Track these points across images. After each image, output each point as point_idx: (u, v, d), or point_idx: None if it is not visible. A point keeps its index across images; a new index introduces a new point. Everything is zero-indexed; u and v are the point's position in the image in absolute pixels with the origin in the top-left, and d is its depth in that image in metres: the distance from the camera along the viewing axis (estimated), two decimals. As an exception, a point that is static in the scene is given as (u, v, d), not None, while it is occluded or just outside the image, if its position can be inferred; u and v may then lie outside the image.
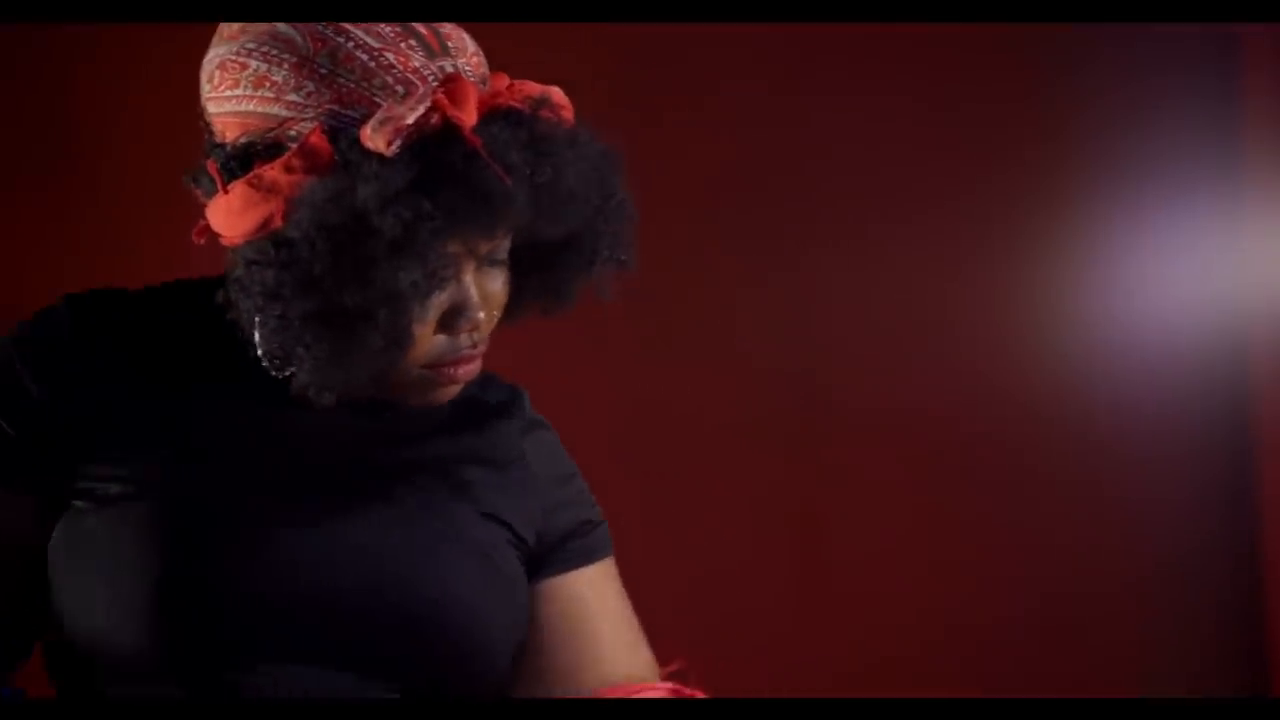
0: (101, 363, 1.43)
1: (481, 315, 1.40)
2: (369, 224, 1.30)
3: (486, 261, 1.41)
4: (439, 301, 1.39)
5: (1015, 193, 2.70)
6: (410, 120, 1.30)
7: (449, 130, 1.31)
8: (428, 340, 1.40)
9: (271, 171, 1.32)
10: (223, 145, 1.36)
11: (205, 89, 1.39)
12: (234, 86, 1.36)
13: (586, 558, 1.54)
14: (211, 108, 1.38)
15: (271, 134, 1.34)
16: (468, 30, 1.42)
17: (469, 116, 1.32)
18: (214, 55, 1.39)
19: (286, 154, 1.32)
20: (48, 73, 2.74)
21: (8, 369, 1.42)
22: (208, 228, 1.39)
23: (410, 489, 1.45)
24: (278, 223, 1.32)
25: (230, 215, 1.35)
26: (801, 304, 2.74)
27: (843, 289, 2.73)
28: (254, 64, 1.35)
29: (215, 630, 1.37)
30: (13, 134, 2.75)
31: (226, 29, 1.39)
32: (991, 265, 2.71)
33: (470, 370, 1.44)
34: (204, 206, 1.40)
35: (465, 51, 1.38)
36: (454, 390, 1.45)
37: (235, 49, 1.37)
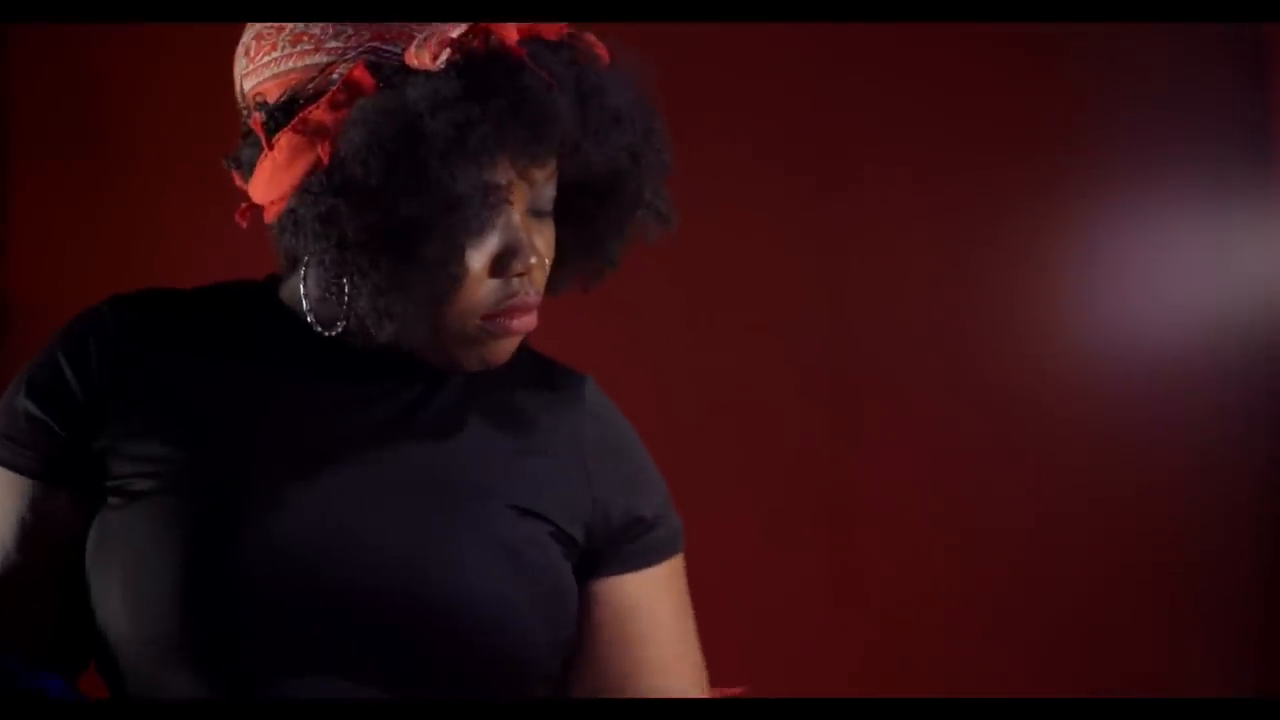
0: (138, 360, 1.42)
1: (534, 259, 1.39)
2: (421, 130, 1.30)
3: (533, 213, 1.40)
4: (490, 245, 1.38)
5: (1059, 183, 2.71)
6: (454, 34, 1.32)
7: (492, 49, 1.33)
8: (482, 283, 1.39)
9: (317, 111, 1.33)
10: (264, 105, 1.36)
11: (241, 67, 1.41)
12: (271, 50, 1.37)
13: (643, 560, 1.51)
14: (249, 83, 1.40)
15: (313, 83, 1.35)
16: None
17: (510, 35, 1.34)
18: (246, 37, 1.41)
19: (330, 92, 1.33)
20: (80, 69, 2.76)
21: (54, 369, 1.43)
22: (250, 206, 1.40)
23: (443, 482, 1.43)
24: (325, 160, 1.32)
25: (276, 172, 1.35)
26: (835, 295, 2.74)
27: (881, 280, 2.73)
28: (289, 26, 1.37)
29: (235, 626, 1.35)
30: (47, 128, 2.77)
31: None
32: (1031, 263, 2.72)
33: (526, 322, 1.41)
34: (244, 191, 1.41)
35: None
36: (510, 345, 1.43)
37: (267, 25, 1.38)
